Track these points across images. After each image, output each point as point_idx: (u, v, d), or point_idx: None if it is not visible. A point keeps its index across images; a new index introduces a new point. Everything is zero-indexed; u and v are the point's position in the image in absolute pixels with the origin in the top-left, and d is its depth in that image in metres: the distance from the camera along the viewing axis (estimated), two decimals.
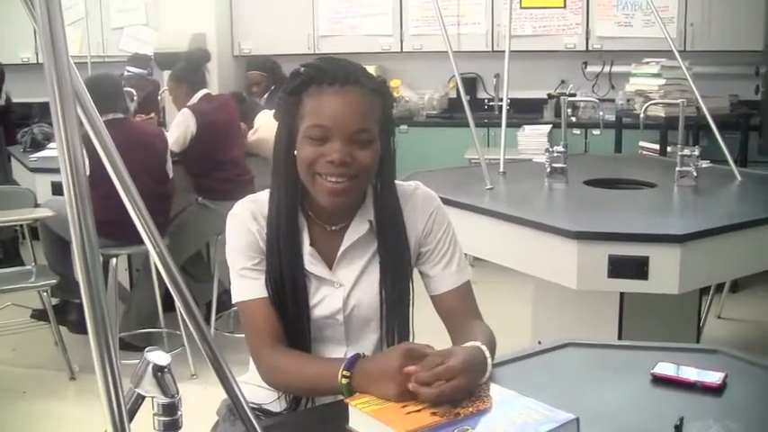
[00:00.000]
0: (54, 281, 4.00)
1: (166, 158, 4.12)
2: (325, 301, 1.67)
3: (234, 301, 1.66)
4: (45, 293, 4.06)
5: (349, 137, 1.55)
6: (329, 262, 1.68)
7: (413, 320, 1.74)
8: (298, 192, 1.64)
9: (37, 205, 4.25)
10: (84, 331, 0.84)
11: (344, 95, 1.55)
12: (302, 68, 1.60)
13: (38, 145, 5.13)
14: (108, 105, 3.81)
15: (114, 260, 3.87)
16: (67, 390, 3.88)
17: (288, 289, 1.63)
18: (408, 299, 1.72)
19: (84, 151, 0.85)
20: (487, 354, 1.50)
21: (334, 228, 1.68)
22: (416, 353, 1.42)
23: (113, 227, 3.45)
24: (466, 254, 1.83)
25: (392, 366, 1.39)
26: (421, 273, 1.76)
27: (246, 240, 1.64)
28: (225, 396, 1.28)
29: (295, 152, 1.60)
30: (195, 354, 3.88)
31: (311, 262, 1.65)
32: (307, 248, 1.65)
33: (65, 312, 4.33)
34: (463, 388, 1.38)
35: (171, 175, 4.15)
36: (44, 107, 5.68)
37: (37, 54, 6.75)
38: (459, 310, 1.71)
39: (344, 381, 1.46)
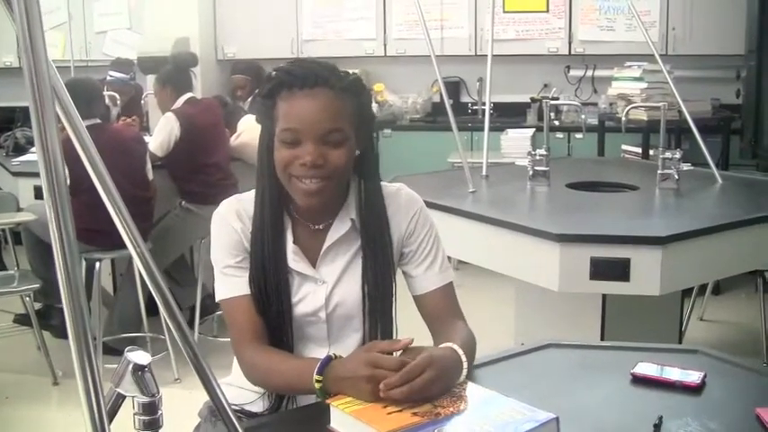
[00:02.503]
0: (37, 285, 3.98)
1: (146, 161, 4.10)
2: (307, 298, 1.68)
3: (217, 299, 1.68)
4: (28, 298, 4.03)
5: (320, 138, 1.57)
6: (313, 260, 1.69)
7: (396, 320, 1.75)
8: (281, 191, 1.65)
9: (19, 209, 4.23)
10: (68, 336, 0.84)
11: (313, 98, 1.57)
12: (274, 73, 1.62)
13: (20, 149, 5.10)
14: (86, 110, 3.74)
15: (98, 264, 3.86)
16: (50, 395, 3.86)
17: (271, 286, 1.64)
18: (391, 297, 1.73)
19: (64, 160, 0.85)
20: (461, 353, 1.51)
21: (317, 227, 1.70)
22: (382, 360, 1.42)
23: (96, 234, 3.46)
24: (449, 257, 1.84)
25: (360, 376, 1.40)
26: (404, 273, 1.77)
27: (230, 239, 1.66)
28: (207, 398, 1.29)
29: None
30: (179, 358, 3.87)
31: (294, 259, 1.67)
32: (290, 246, 1.67)
33: (48, 317, 4.30)
34: (430, 384, 1.38)
35: (151, 177, 4.13)
36: (27, 111, 5.61)
37: (19, 58, 6.68)
38: (441, 310, 1.72)
39: (318, 384, 1.47)
